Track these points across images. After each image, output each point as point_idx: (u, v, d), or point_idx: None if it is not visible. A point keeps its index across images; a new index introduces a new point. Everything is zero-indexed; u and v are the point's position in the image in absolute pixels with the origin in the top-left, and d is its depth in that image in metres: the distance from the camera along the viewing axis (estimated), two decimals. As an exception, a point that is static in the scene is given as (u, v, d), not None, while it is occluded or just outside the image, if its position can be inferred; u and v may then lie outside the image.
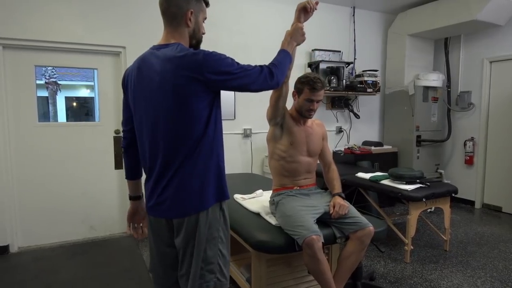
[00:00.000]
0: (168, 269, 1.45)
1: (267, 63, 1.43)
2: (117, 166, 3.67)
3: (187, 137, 1.29)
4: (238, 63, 1.33)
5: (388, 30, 4.95)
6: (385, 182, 3.16)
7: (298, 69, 4.26)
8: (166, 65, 1.28)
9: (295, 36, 1.61)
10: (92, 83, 3.60)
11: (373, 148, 4.54)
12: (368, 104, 4.99)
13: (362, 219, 1.97)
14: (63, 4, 3.27)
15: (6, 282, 2.67)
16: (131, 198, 1.57)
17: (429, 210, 4.37)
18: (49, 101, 3.64)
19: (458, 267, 2.89)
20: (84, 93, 3.68)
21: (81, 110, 3.68)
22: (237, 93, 3.99)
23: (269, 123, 2.13)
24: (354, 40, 4.75)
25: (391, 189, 3.03)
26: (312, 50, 4.40)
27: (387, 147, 4.73)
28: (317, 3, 1.67)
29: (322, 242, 1.81)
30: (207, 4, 1.45)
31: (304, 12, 1.66)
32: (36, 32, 3.19)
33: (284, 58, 1.49)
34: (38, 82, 3.44)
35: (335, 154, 4.64)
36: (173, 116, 1.28)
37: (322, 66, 4.26)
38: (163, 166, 1.32)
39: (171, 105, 1.28)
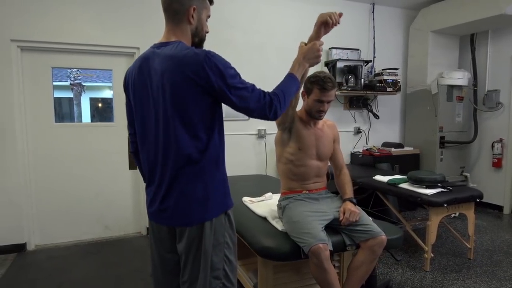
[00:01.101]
0: (168, 275, 1.42)
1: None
2: (131, 166, 3.68)
3: (191, 140, 1.24)
4: (240, 77, 1.24)
5: (409, 27, 4.75)
6: (404, 185, 3.03)
7: (314, 68, 4.12)
8: (166, 64, 1.23)
9: (309, 56, 1.46)
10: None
11: (393, 149, 4.36)
12: (388, 104, 4.81)
13: (374, 227, 1.86)
14: (77, 5, 3.31)
15: (19, 280, 2.72)
16: None
17: (453, 216, 4.15)
18: (74, 102, 3.72)
19: (483, 277, 2.71)
20: (108, 94, 3.76)
21: (106, 111, 3.75)
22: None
23: (277, 127, 2.06)
24: (374, 38, 4.59)
25: (410, 193, 2.89)
26: (329, 48, 4.27)
27: (408, 149, 4.54)
28: (340, 16, 1.50)
29: (331, 250, 1.72)
30: (211, 2, 1.40)
31: (324, 26, 1.50)
32: (51, 33, 3.24)
33: (290, 87, 1.35)
34: (63, 83, 3.53)
35: (353, 155, 4.51)
36: (175, 118, 1.23)
37: (340, 64, 4.13)
38: (166, 170, 1.28)
39: (171, 106, 1.22)
